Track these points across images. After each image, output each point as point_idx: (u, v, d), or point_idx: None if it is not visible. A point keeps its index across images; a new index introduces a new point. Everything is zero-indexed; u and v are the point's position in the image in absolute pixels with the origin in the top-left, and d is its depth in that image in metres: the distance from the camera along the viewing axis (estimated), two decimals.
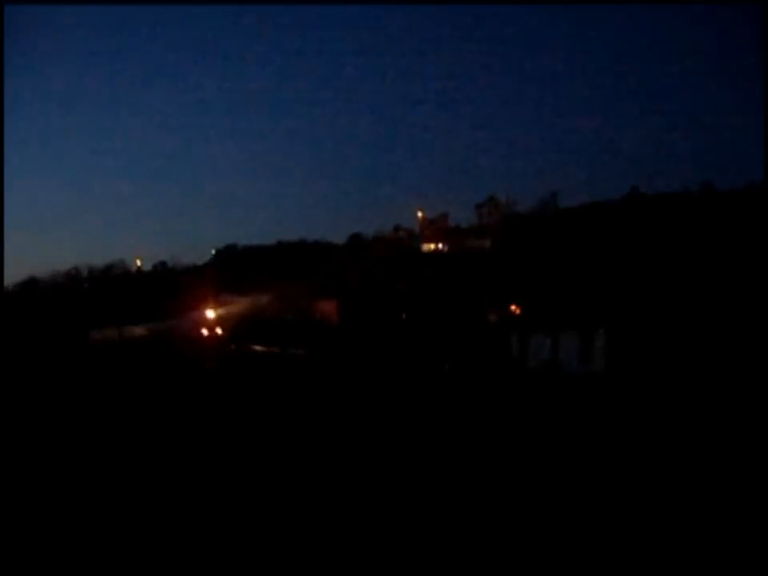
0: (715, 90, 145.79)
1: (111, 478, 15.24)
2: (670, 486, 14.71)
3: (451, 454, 18.07)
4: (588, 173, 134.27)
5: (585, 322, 46.18)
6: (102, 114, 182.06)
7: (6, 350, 42.63)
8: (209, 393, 31.26)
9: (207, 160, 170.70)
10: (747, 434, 20.00)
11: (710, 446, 18.77)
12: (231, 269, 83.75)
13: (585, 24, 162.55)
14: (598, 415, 25.69)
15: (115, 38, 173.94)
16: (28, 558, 10.84)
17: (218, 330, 69.39)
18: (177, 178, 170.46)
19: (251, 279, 75.84)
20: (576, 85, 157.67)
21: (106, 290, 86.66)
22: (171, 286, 78.57)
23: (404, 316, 64.38)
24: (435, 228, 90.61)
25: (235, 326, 67.57)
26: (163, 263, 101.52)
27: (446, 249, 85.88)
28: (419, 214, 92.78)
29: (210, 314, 71.82)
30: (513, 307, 59.19)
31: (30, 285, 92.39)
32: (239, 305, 72.31)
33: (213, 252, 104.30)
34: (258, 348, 60.91)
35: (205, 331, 69.54)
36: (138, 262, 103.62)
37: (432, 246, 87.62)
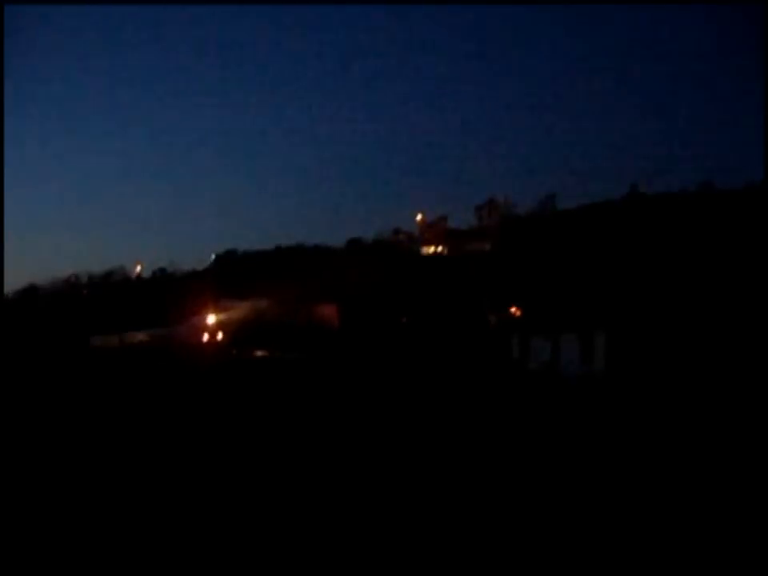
0: (715, 90, 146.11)
1: (111, 483, 15.28)
2: (669, 486, 14.75)
3: (451, 455, 18.12)
4: (587, 173, 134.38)
5: (585, 324, 46.22)
6: (100, 119, 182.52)
7: (7, 358, 42.69)
8: (211, 398, 31.28)
9: (206, 165, 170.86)
10: (747, 434, 20.05)
11: (710, 446, 18.82)
12: (231, 274, 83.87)
13: (583, 25, 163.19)
14: (598, 416, 25.75)
15: (113, 46, 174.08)
16: (28, 558, 10.89)
17: (219, 336, 69.49)
18: (176, 184, 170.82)
19: (251, 284, 75.93)
20: (575, 86, 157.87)
21: (106, 297, 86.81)
22: (171, 292, 78.69)
23: (404, 319, 64.52)
24: (434, 231, 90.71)
25: (236, 332, 67.66)
26: (163, 269, 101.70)
27: (445, 252, 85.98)
28: (418, 217, 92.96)
29: (211, 319, 71.93)
30: (513, 309, 59.30)
31: (30, 292, 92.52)
32: (239, 310, 72.38)
33: (212, 257, 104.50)
34: (258, 353, 60.99)
35: (206, 337, 69.64)
36: (138, 268, 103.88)
37: (431, 249, 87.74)
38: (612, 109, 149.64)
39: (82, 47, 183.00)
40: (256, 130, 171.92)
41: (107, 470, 16.58)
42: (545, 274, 56.77)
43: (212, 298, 72.99)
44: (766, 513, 12.50)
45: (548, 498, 13.94)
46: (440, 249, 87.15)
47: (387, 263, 74.98)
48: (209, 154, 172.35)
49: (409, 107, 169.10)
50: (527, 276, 58.69)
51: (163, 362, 50.35)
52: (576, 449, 19.01)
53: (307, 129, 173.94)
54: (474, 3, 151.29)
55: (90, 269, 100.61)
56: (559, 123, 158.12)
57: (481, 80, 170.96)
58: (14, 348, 49.91)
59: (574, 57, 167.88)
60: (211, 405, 29.00)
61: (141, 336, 71.88)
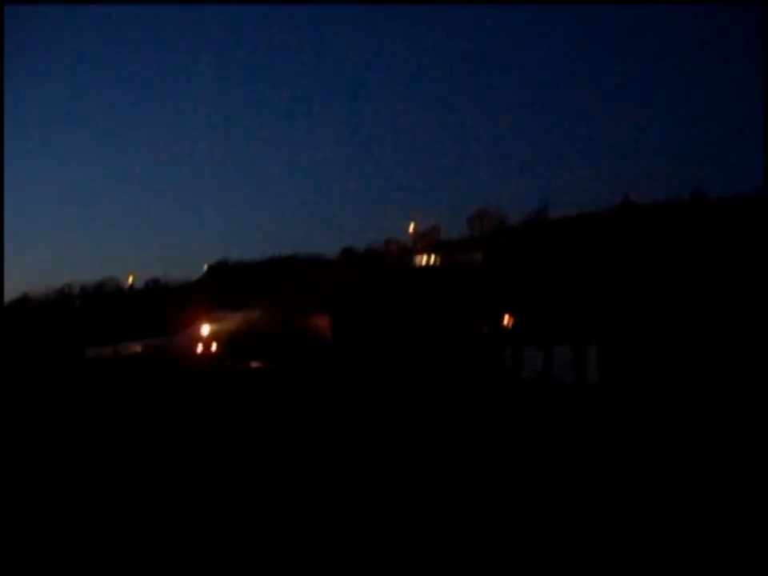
0: (711, 97, 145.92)
1: (109, 491, 15.43)
2: (659, 498, 14.94)
3: (444, 463, 18.31)
4: (579, 182, 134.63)
5: (577, 335, 46.44)
6: (93, 131, 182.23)
7: (5, 369, 42.76)
8: (207, 409, 31.40)
9: (198, 175, 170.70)
10: (740, 446, 20.24)
11: (702, 457, 19.01)
12: (224, 284, 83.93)
13: (576, 34, 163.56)
14: (590, 425, 25.96)
15: (104, 62, 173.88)
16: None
17: (213, 347, 69.52)
18: (168, 194, 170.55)
19: (244, 295, 76.01)
20: (567, 93, 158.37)
21: (98, 307, 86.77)
22: (164, 303, 78.72)
23: (396, 329, 64.58)
24: (427, 241, 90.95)
25: (229, 342, 67.71)
26: (156, 280, 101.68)
27: (438, 262, 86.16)
28: (411, 227, 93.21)
29: (204, 330, 71.96)
30: (506, 320, 59.49)
31: (23, 302, 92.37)
32: (233, 321, 72.44)
33: (205, 268, 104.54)
34: (252, 363, 61.04)
35: (199, 347, 69.67)
36: (131, 279, 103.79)
37: (424, 259, 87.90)
38: (604, 117, 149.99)
39: (72, 64, 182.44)
40: (249, 140, 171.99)
41: (106, 479, 16.73)
42: (537, 284, 57.01)
43: (205, 309, 73.03)
44: (756, 524, 12.71)
45: (541, 506, 14.13)
46: (432, 259, 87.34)
47: (379, 273, 75.15)
48: (202, 164, 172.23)
49: (401, 116, 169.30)
50: (520, 286, 58.92)
51: (158, 373, 50.45)
52: (569, 457, 19.21)
53: (301, 137, 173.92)
54: (465, 13, 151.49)
55: (82, 279, 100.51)
56: (551, 132, 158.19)
57: (473, 89, 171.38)
58: (8, 359, 49.92)
59: (566, 64, 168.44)
60: (207, 414, 29.14)
61: (134, 347, 71.91)
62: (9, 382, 39.24)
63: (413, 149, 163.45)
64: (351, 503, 14.65)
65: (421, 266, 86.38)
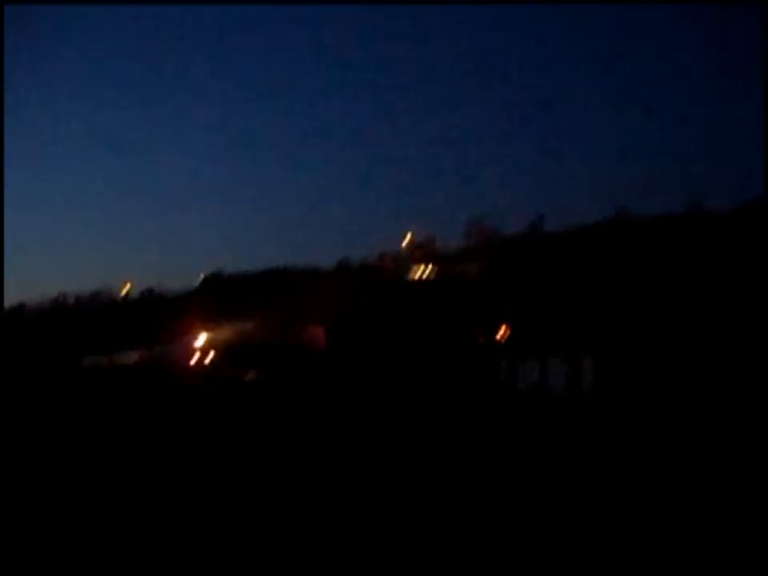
0: (711, 104, 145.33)
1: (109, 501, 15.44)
2: (652, 509, 15.00)
3: (438, 473, 18.35)
4: (575, 194, 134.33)
5: (573, 347, 46.54)
6: (86, 140, 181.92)
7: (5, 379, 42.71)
8: (202, 419, 31.44)
9: (193, 186, 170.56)
10: (732, 458, 20.33)
11: (695, 467, 19.09)
12: (219, 295, 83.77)
13: (571, 46, 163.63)
14: (584, 437, 26.04)
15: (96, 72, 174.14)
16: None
17: (208, 357, 69.49)
18: (163, 204, 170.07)
19: (239, 305, 75.94)
20: (563, 104, 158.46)
21: (94, 317, 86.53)
22: (160, 313, 78.59)
23: (392, 340, 64.55)
24: (422, 252, 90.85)
25: (224, 353, 67.71)
26: (151, 290, 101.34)
27: (433, 273, 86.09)
28: (406, 238, 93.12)
29: (200, 340, 71.91)
30: (502, 332, 59.52)
31: (19, 311, 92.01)
32: (228, 331, 72.41)
33: (200, 278, 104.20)
34: (247, 374, 61.09)
35: (194, 358, 69.62)
36: (126, 289, 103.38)
37: (419, 271, 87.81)
38: (598, 128, 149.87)
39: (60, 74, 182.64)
40: (245, 152, 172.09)
41: (104, 485, 16.73)
42: (533, 296, 57.07)
43: (200, 320, 72.96)
44: (748, 534, 12.77)
45: (533, 517, 14.18)
46: (428, 270, 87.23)
47: (374, 285, 75.17)
48: (198, 176, 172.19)
49: (397, 126, 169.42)
50: (515, 298, 58.97)
51: (155, 384, 50.43)
52: (563, 469, 19.27)
53: (296, 150, 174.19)
54: (463, 21, 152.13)
55: (76, 288, 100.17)
56: (548, 142, 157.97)
57: (468, 101, 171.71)
58: (10, 369, 49.86)
59: (559, 74, 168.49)
60: (202, 424, 29.15)
61: (130, 357, 71.79)
62: (10, 392, 39.17)
63: (408, 160, 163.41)
64: (343, 514, 14.66)
65: (416, 277, 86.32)
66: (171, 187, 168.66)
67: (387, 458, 21.21)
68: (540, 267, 61.60)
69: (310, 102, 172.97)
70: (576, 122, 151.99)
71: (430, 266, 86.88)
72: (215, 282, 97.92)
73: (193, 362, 69.26)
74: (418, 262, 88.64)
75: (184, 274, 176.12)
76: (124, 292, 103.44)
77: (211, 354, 69.89)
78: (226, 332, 72.58)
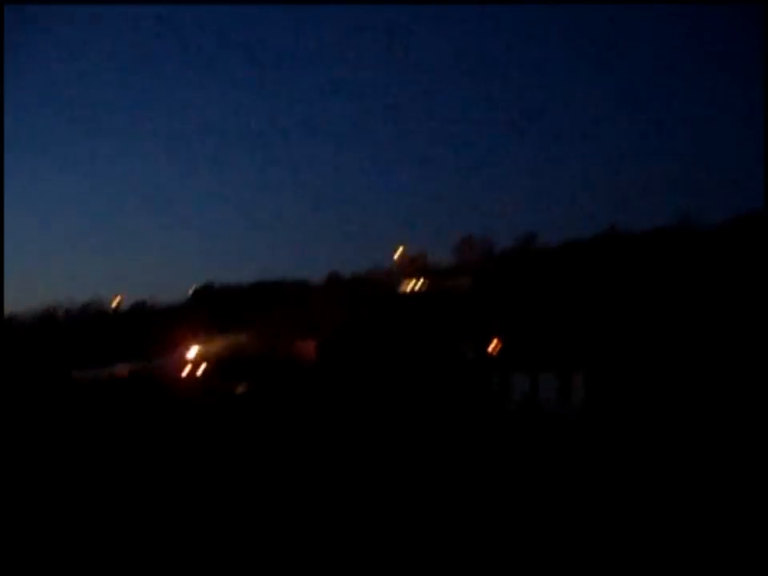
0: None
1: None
2: (642, 523, 15.07)
3: (430, 484, 18.38)
4: (567, 207, 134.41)
5: (564, 362, 46.67)
6: (82, 150, 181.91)
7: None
8: (193, 431, 31.41)
9: (184, 199, 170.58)
10: (722, 473, 20.43)
11: (685, 484, 19.18)
12: (210, 308, 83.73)
13: (567, 56, 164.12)
14: (575, 452, 26.12)
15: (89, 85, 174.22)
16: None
17: (199, 370, 69.41)
18: (154, 217, 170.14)
19: (230, 318, 75.92)
20: (555, 118, 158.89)
21: (84, 329, 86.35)
22: (151, 325, 78.49)
23: (383, 354, 64.56)
24: (414, 267, 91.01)
25: (215, 366, 67.67)
26: (142, 302, 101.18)
27: (424, 287, 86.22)
28: (397, 253, 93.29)
29: (191, 353, 71.83)
30: (493, 346, 59.62)
31: (9, 322, 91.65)
32: (219, 344, 72.36)
33: (191, 291, 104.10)
34: (237, 387, 61.04)
35: (185, 371, 69.52)
36: (116, 301, 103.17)
37: (411, 285, 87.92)
38: (590, 143, 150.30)
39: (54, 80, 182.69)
40: (236, 165, 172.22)
41: (98, 494, 16.72)
42: (524, 311, 57.23)
43: (191, 332, 72.91)
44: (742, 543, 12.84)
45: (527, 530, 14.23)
46: (419, 284, 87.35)
47: (365, 299, 75.27)
48: (188, 188, 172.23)
49: (389, 140, 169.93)
50: (507, 312, 59.12)
51: (146, 396, 50.35)
52: (554, 481, 19.33)
53: (287, 164, 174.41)
54: (452, 36, 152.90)
55: (66, 300, 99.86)
56: (539, 158, 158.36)
57: (459, 115, 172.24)
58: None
59: (552, 88, 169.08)
60: (194, 437, 29.13)
61: (121, 369, 71.64)
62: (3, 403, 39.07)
63: (399, 175, 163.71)
64: (332, 527, 14.70)
65: (407, 291, 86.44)
66: (163, 200, 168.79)
67: (378, 470, 21.23)
68: (531, 282, 61.81)
69: (303, 115, 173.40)
70: (572, 127, 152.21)
71: (422, 280, 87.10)
72: (206, 295, 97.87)
73: (184, 374, 69.14)
74: (410, 276, 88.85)
75: (175, 287, 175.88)
76: (114, 304, 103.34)
77: (202, 366, 69.81)
78: (217, 345, 72.54)
